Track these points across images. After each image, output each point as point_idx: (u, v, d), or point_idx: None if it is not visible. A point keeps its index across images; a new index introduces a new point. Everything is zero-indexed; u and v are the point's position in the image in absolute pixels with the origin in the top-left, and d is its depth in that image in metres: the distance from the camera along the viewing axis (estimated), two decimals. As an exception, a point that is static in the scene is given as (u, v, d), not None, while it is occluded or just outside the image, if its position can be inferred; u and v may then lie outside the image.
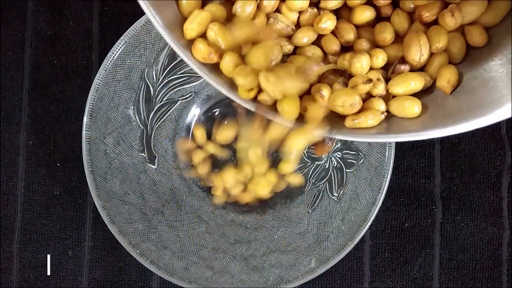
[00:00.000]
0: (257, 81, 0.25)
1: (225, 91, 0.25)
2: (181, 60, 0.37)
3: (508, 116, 0.22)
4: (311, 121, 0.25)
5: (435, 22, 0.27)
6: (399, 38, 0.28)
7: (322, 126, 0.25)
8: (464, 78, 0.26)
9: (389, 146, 0.35)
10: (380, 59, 0.27)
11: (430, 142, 0.39)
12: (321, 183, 0.38)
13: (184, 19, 0.25)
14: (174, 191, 0.38)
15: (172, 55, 0.37)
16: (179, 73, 0.38)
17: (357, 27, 0.28)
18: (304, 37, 0.28)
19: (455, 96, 0.26)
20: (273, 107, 0.26)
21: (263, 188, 0.37)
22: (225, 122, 0.38)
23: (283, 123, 0.26)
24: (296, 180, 0.38)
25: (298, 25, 0.28)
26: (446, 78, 0.26)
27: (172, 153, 0.39)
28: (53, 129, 0.40)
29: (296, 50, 0.28)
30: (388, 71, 0.27)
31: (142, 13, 0.34)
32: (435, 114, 0.25)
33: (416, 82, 0.26)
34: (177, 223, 0.38)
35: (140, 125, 0.38)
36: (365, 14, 0.27)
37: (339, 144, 0.38)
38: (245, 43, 0.26)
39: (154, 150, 0.38)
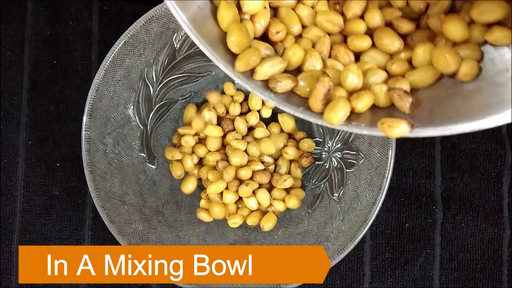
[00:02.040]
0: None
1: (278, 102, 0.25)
2: (181, 59, 0.37)
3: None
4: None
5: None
6: None
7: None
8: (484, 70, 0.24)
9: (389, 146, 0.34)
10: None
11: (431, 142, 0.39)
12: (321, 183, 0.38)
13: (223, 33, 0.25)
14: (174, 191, 0.38)
15: (172, 55, 0.37)
16: (178, 73, 0.37)
17: None
18: None
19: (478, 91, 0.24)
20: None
21: None
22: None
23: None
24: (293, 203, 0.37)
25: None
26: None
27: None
28: (52, 129, 0.39)
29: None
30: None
31: (142, 12, 0.34)
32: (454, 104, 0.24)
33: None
34: (177, 223, 0.37)
35: (140, 125, 0.38)
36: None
37: (339, 144, 0.38)
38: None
39: (154, 150, 0.38)
